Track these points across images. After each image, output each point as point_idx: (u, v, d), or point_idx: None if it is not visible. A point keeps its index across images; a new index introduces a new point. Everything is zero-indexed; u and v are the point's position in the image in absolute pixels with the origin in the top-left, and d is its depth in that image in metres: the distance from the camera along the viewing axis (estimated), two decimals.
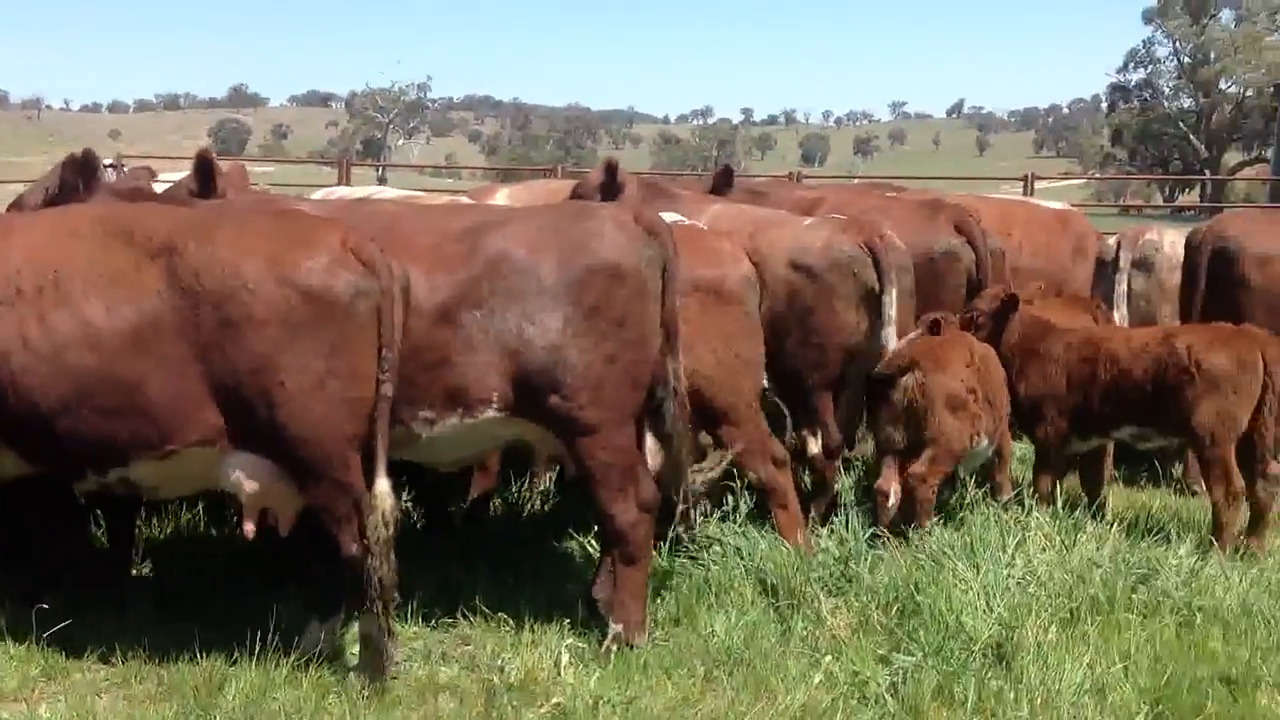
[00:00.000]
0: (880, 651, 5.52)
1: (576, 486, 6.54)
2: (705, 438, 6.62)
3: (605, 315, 5.44)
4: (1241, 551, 6.91)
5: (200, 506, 7.03)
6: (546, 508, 7.62)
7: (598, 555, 6.17)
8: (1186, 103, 64.67)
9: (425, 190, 13.12)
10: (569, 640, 5.54)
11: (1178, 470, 8.92)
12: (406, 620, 5.67)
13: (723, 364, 6.38)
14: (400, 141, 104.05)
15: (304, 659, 5.23)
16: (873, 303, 6.93)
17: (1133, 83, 67.02)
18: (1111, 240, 9.74)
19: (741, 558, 6.37)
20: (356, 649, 5.30)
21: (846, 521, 6.61)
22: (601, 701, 5.01)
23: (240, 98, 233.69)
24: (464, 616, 5.81)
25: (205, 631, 5.45)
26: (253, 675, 5.07)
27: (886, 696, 5.15)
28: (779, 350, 6.89)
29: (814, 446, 7.02)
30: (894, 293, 6.92)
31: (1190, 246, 8.81)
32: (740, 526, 6.60)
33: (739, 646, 5.58)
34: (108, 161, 7.62)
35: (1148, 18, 65.87)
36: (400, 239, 5.43)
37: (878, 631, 5.73)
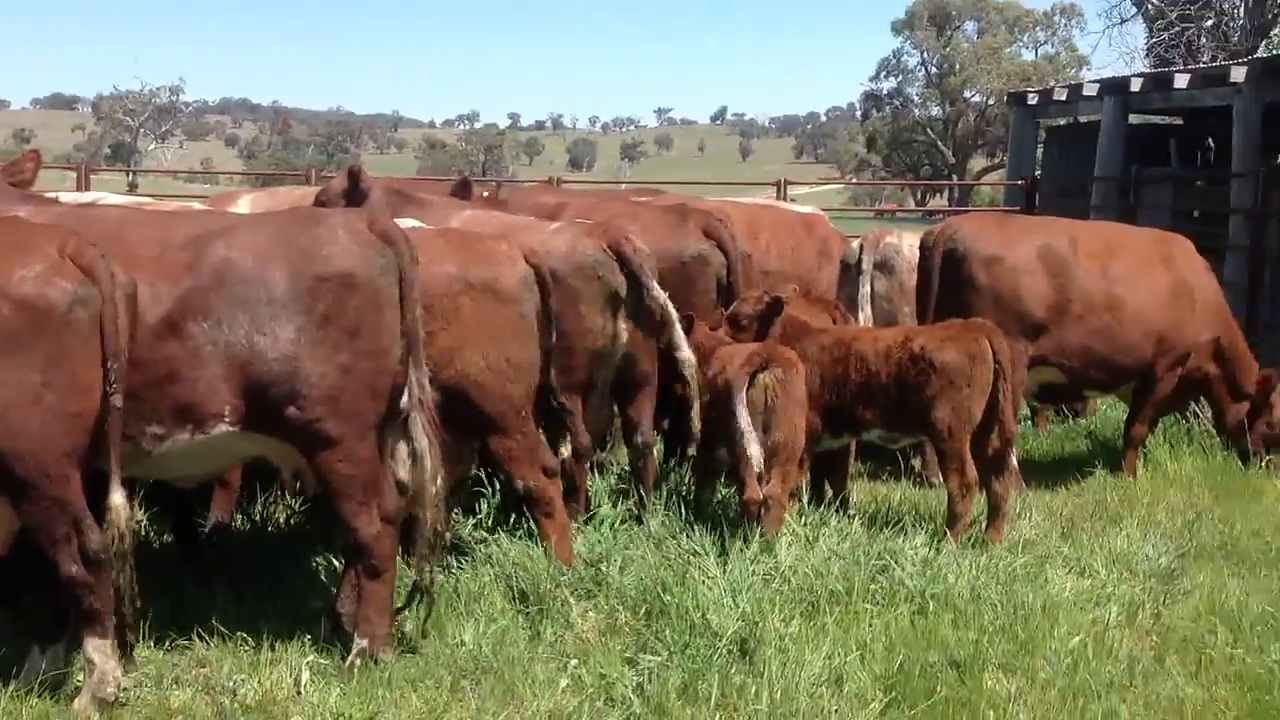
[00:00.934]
0: (627, 654, 5.55)
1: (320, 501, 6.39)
2: None
3: (339, 325, 5.30)
4: (973, 540, 7.22)
5: None
6: (292, 522, 7.42)
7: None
8: (935, 111, 67.62)
9: (181, 196, 12.63)
10: (310, 658, 5.39)
11: (918, 463, 9.28)
12: (138, 643, 5.41)
13: (493, 369, 6.25)
14: (152, 146, 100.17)
15: (24, 689, 4.95)
16: (619, 306, 6.99)
17: (885, 91, 69.74)
18: (855, 243, 10.08)
19: (491, 565, 6.34)
20: (82, 676, 5.03)
21: (598, 524, 6.64)
22: (342, 718, 4.90)
23: None
24: (200, 638, 5.58)
25: None
26: None
27: (633, 697, 5.18)
28: None
29: (564, 450, 7.03)
30: (658, 292, 7.01)
31: (924, 249, 9.20)
32: (491, 532, 6.56)
33: (487, 655, 5.53)
34: None
35: (897, 29, 68.65)
36: (123, 247, 5.18)
37: (625, 633, 5.77)
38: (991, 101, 63.80)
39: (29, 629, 5.18)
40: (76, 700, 4.92)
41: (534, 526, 6.48)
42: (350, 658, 5.39)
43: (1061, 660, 5.60)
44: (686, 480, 7.83)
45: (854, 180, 63.66)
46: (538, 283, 6.41)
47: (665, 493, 7.34)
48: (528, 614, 5.97)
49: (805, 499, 7.21)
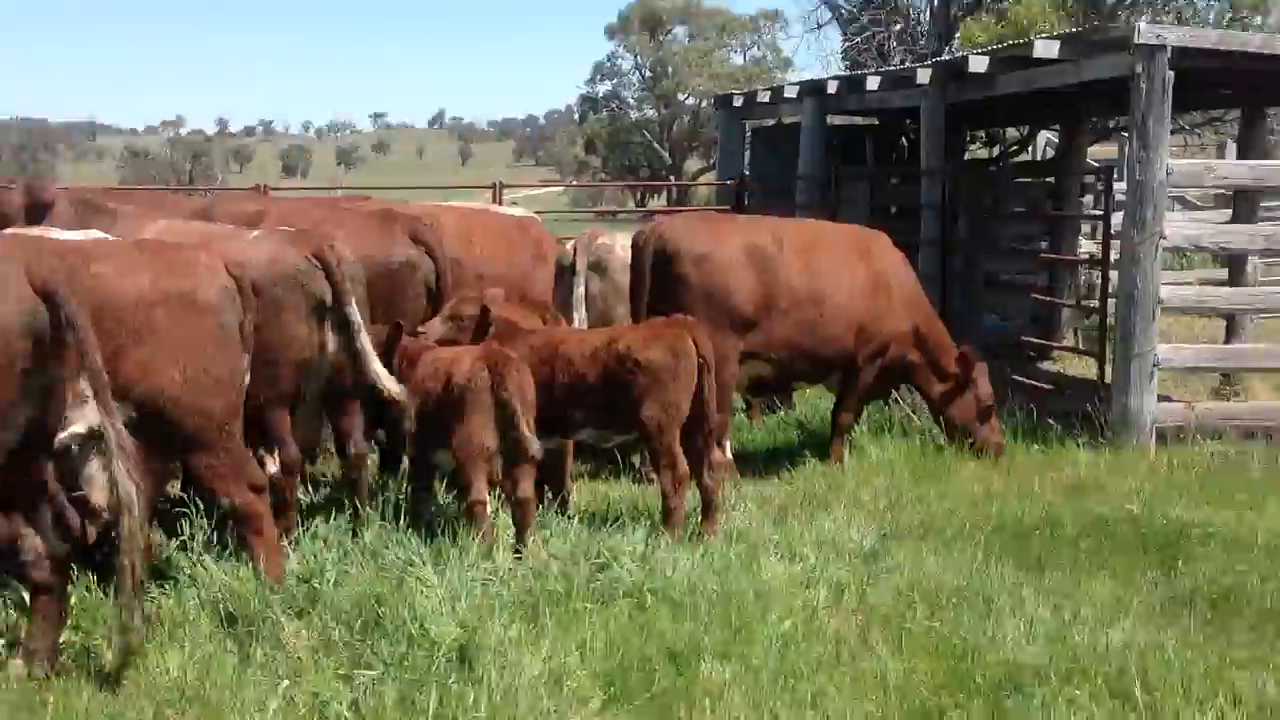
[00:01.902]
0: (342, 670, 5.39)
1: None
2: None
3: None
4: (691, 534, 7.37)
5: None
6: None
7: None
8: (651, 113, 68.77)
9: None
10: None
11: (637, 460, 9.41)
12: None
13: (190, 383, 5.95)
14: None
15: None
16: (325, 315, 6.81)
17: (601, 94, 70.50)
18: (569, 245, 10.14)
19: (198, 587, 6.08)
20: None
21: (311, 539, 6.45)
22: None
23: None
24: None
25: None
26: None
27: (348, 715, 5.06)
28: None
29: (271, 465, 6.81)
30: (354, 303, 6.85)
31: (635, 248, 9.34)
32: (197, 555, 6.29)
33: (193, 682, 5.30)
34: None
35: (610, 33, 69.54)
36: None
37: (340, 649, 5.61)
38: (705, 104, 65.39)
39: None
40: None
41: (243, 545, 6.25)
42: None
43: (774, 644, 5.76)
44: (403, 489, 7.70)
45: (574, 183, 64.18)
46: (239, 293, 6.19)
47: (381, 503, 7.19)
48: (236, 636, 5.75)
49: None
